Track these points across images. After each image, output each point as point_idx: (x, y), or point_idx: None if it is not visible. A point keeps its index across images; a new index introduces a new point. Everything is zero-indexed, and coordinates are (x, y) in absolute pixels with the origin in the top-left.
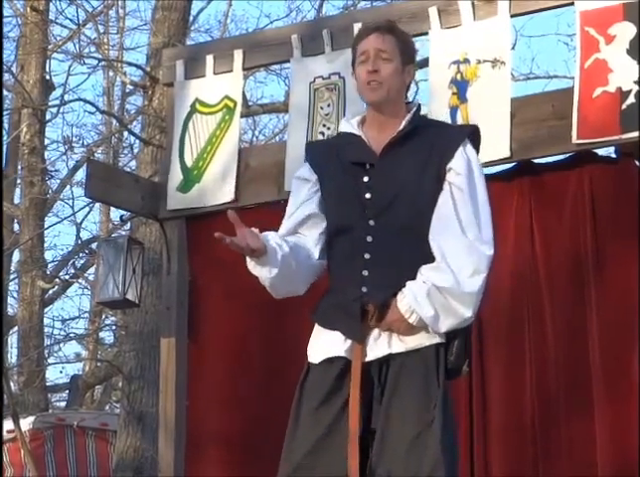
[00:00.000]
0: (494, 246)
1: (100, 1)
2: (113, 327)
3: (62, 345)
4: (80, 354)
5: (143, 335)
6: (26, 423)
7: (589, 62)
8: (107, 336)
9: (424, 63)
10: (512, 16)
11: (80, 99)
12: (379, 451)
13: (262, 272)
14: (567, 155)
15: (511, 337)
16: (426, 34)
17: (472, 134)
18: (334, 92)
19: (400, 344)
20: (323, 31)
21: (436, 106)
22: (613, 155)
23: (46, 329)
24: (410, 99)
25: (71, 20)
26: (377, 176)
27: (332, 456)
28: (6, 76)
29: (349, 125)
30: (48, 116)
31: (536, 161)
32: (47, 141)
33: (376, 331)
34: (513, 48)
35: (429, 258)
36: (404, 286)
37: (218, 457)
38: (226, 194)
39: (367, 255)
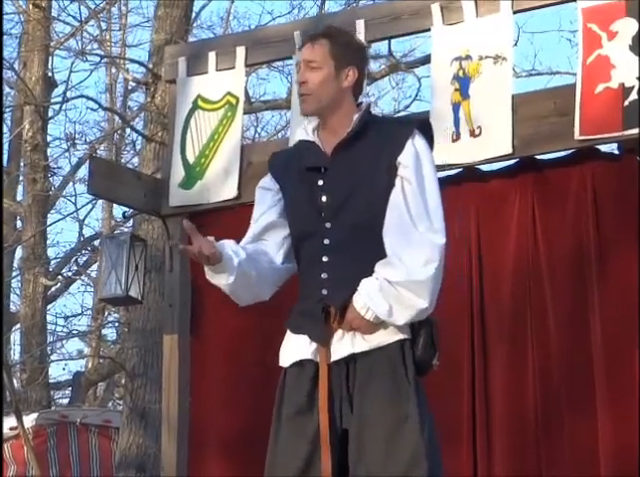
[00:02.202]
0: (445, 235)
1: None
2: (116, 324)
3: (64, 342)
4: (82, 351)
5: (146, 332)
6: (29, 420)
7: (592, 58)
8: (110, 333)
9: (427, 59)
10: (514, 12)
11: (82, 96)
12: (356, 452)
13: (219, 280)
14: (570, 151)
15: (513, 333)
16: (429, 30)
17: (421, 126)
18: None
19: (363, 343)
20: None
21: (439, 103)
22: (616, 151)
23: (48, 326)
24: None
25: (73, 17)
26: (330, 178)
27: (317, 462)
28: (8, 72)
29: (304, 132)
30: (50, 113)
31: (538, 157)
32: (49, 138)
33: (340, 332)
34: (515, 44)
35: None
36: None
37: (220, 454)
38: (228, 190)
39: (325, 258)
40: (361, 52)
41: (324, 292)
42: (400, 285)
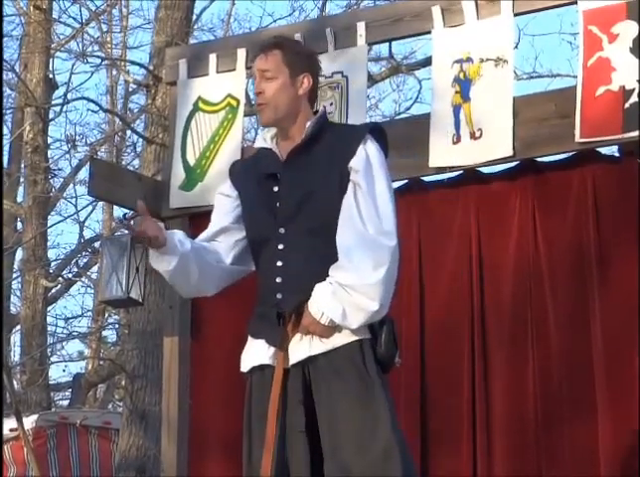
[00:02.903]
0: (396, 237)
1: (104, 0)
2: (116, 326)
3: (65, 343)
4: (82, 352)
5: (146, 334)
6: (29, 422)
7: (592, 60)
8: (110, 334)
9: (427, 61)
10: (515, 15)
11: (83, 98)
12: (329, 451)
13: (160, 265)
14: (570, 154)
15: (514, 334)
16: (429, 32)
17: (373, 131)
18: (337, 91)
19: (320, 345)
20: (326, 30)
21: (439, 105)
22: (616, 154)
23: (49, 327)
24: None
25: (74, 19)
26: (284, 184)
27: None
28: (9, 74)
29: (262, 140)
30: (51, 115)
31: (538, 160)
32: (50, 140)
33: (297, 336)
34: (516, 47)
35: None
36: None
37: (220, 456)
38: None
39: (279, 263)
40: (313, 59)
41: (278, 296)
42: (351, 288)
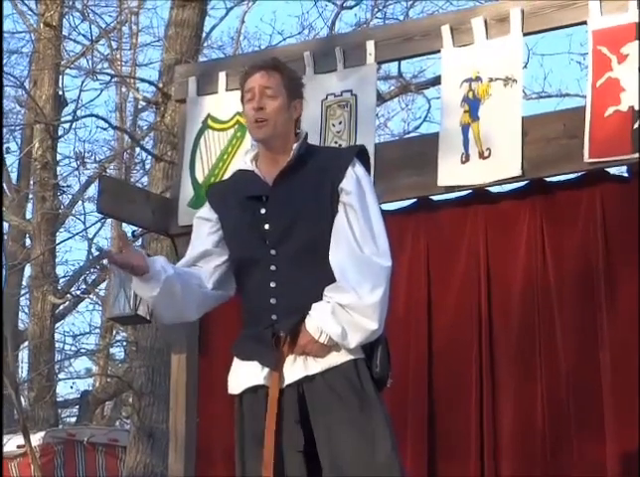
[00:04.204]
0: (391, 258)
1: (114, 17)
2: (124, 343)
3: (72, 360)
4: (90, 369)
5: (154, 351)
6: (36, 439)
7: (602, 80)
8: (118, 352)
9: (437, 80)
10: (524, 34)
11: (92, 115)
12: (328, 473)
13: (144, 291)
14: (579, 174)
15: (521, 353)
16: (439, 52)
17: (360, 154)
18: (346, 110)
19: (315, 365)
20: (336, 48)
21: (448, 124)
22: (625, 174)
23: (57, 344)
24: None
25: (84, 36)
26: (272, 206)
27: None
28: (19, 91)
29: (242, 162)
30: (60, 132)
31: (547, 179)
32: (59, 157)
33: (292, 356)
34: (525, 66)
35: (333, 279)
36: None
37: (228, 473)
38: None
39: (273, 284)
40: (303, 87)
41: (274, 317)
42: (351, 308)
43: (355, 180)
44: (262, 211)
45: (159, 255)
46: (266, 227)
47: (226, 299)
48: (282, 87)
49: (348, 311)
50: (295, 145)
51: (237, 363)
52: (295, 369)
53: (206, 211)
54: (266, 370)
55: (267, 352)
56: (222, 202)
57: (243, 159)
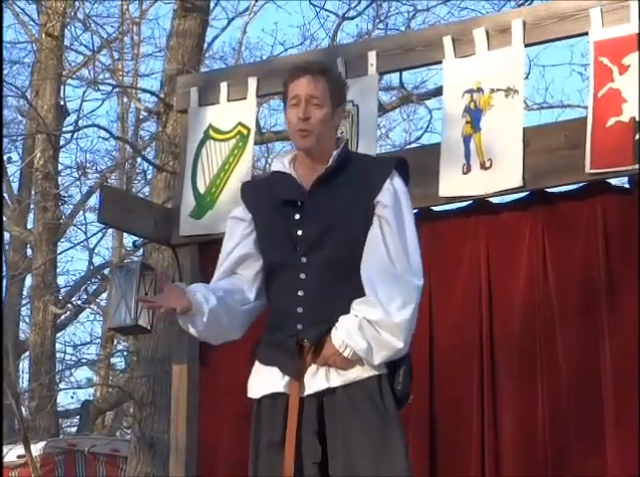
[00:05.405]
0: (423, 276)
1: (115, 28)
2: (125, 353)
3: (73, 370)
4: (91, 379)
5: (155, 361)
6: (37, 448)
7: (603, 91)
8: (119, 362)
9: (438, 91)
10: (526, 45)
11: (94, 125)
12: None
13: (190, 327)
14: (580, 185)
15: (523, 366)
16: (440, 62)
17: (399, 166)
18: (347, 120)
19: (338, 377)
20: (337, 59)
21: (450, 135)
22: (626, 185)
23: (57, 354)
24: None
25: (85, 46)
26: (307, 213)
27: None
28: (21, 101)
29: (280, 164)
30: (62, 142)
31: (549, 190)
32: (60, 167)
33: (314, 366)
34: (526, 77)
35: (363, 292)
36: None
37: None
38: None
39: (300, 293)
40: (347, 90)
41: (299, 327)
42: (378, 325)
43: (392, 193)
44: (297, 216)
45: (197, 284)
46: (299, 233)
47: (264, 309)
48: (328, 97)
49: (375, 327)
50: (335, 152)
51: (257, 367)
52: (317, 380)
53: (240, 211)
54: (287, 378)
55: (290, 360)
56: (256, 202)
57: (281, 161)
